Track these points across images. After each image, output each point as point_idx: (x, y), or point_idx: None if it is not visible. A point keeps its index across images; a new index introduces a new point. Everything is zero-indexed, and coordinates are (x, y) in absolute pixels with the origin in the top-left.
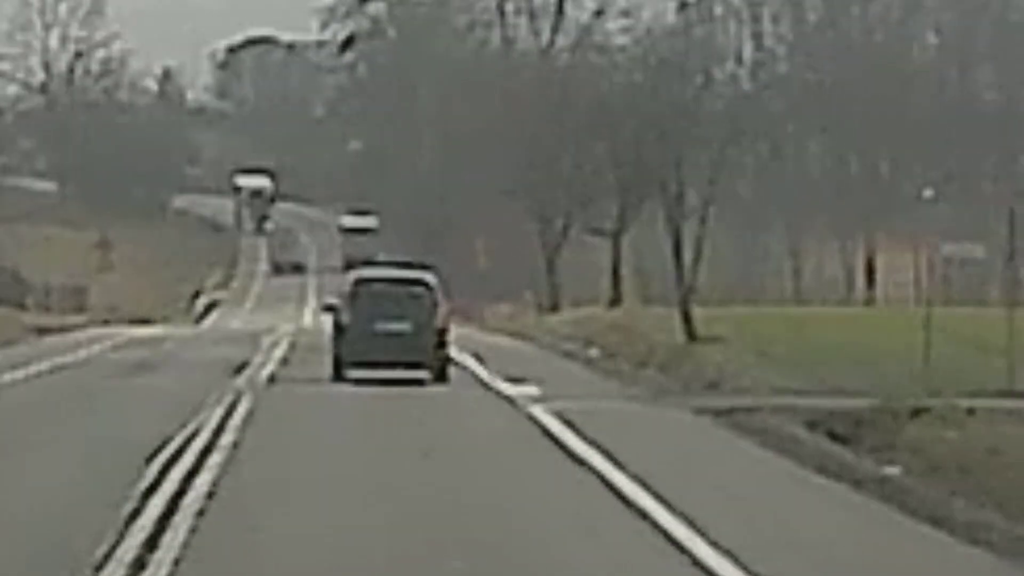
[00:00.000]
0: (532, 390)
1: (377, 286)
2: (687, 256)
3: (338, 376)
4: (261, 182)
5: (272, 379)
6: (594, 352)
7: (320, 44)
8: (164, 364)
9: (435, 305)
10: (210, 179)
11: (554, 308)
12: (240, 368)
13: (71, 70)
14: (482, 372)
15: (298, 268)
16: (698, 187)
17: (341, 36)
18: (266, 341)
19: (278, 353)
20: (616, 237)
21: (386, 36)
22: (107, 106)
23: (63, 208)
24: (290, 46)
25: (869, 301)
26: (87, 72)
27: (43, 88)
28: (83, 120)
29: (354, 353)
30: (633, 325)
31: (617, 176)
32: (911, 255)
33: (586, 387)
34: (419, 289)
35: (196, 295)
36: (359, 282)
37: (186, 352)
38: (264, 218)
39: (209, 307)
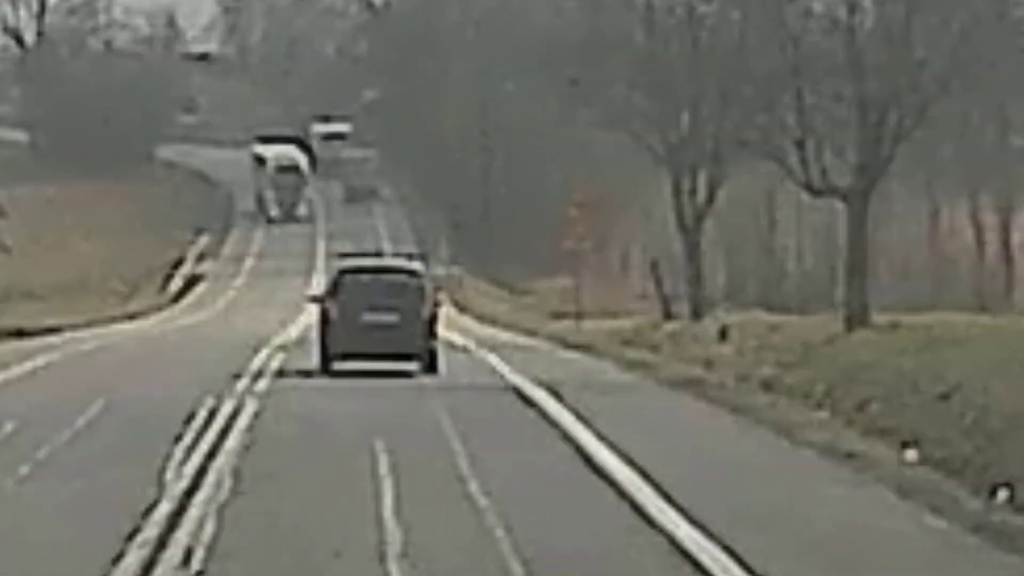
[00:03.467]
0: None
1: (363, 276)
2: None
3: (325, 368)
4: (292, 154)
5: None
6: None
7: None
8: None
9: (423, 294)
10: (208, 129)
11: (697, 314)
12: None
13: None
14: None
15: (373, 193)
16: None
17: None
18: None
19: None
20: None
21: None
22: (86, 47)
23: (32, 161)
24: None
25: None
26: (72, 12)
27: (5, 29)
28: (56, 62)
29: (341, 345)
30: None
31: (862, 123)
32: None
33: None
34: (406, 278)
35: (177, 264)
36: (344, 272)
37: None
38: (295, 203)
39: (190, 283)
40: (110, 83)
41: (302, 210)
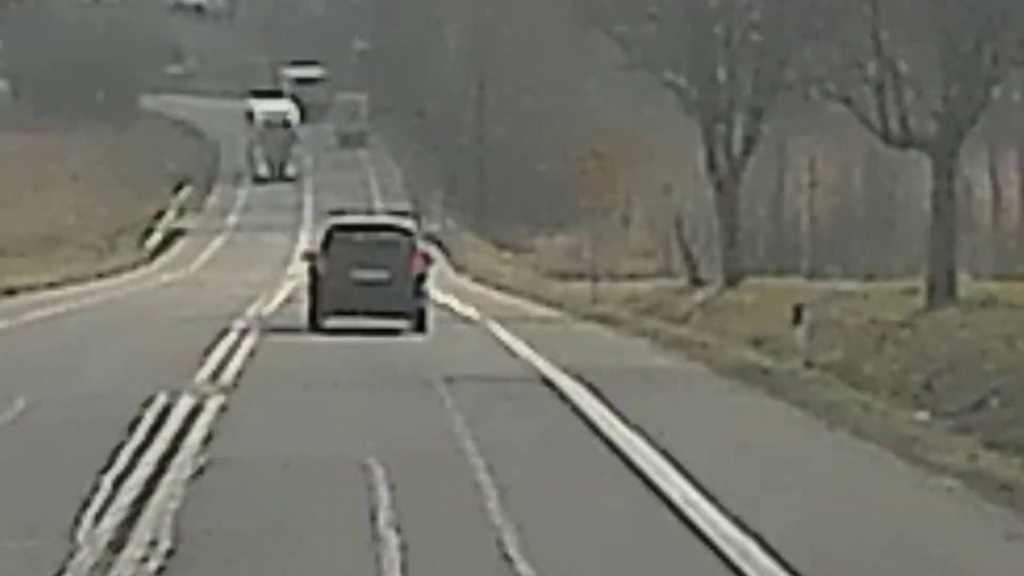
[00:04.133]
0: None
1: (353, 234)
2: None
3: (313, 325)
4: (283, 108)
5: None
6: None
7: None
8: None
9: (413, 252)
10: (195, 80)
11: (732, 280)
12: None
13: None
14: None
15: (364, 138)
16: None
17: None
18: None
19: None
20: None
21: None
22: None
23: (13, 110)
24: None
25: None
26: None
27: None
28: (39, 9)
29: (330, 302)
30: None
31: (949, 61)
32: None
33: None
34: (396, 236)
35: (158, 217)
36: (335, 229)
37: None
38: (285, 161)
39: (170, 238)
40: (95, 31)
41: (292, 169)
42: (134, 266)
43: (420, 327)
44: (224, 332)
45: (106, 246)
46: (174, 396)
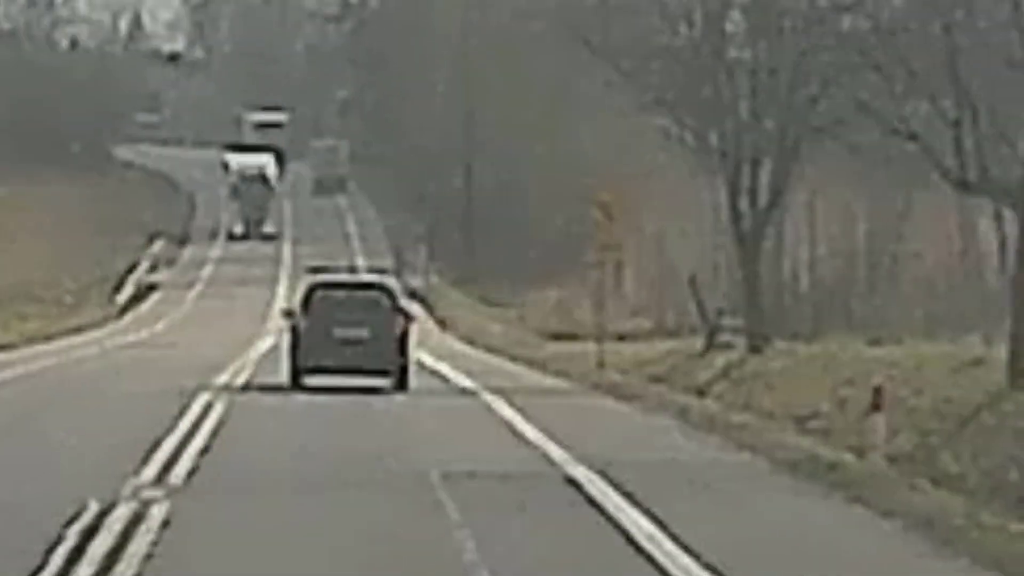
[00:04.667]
0: None
1: (334, 291)
2: None
3: (295, 383)
4: (260, 162)
5: None
6: None
7: None
8: None
9: (395, 310)
10: (171, 128)
11: (756, 345)
12: None
13: None
14: None
15: (343, 184)
16: None
17: None
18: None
19: None
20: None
21: None
22: (45, 41)
23: None
24: None
25: None
26: (31, 3)
27: None
28: (13, 55)
29: (311, 359)
30: None
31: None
32: None
33: None
34: (377, 294)
35: (129, 271)
36: (315, 287)
37: None
38: (262, 218)
39: (141, 292)
40: (70, 79)
41: (269, 227)
42: (103, 321)
43: (401, 385)
44: (183, 411)
45: (76, 300)
46: (108, 506)
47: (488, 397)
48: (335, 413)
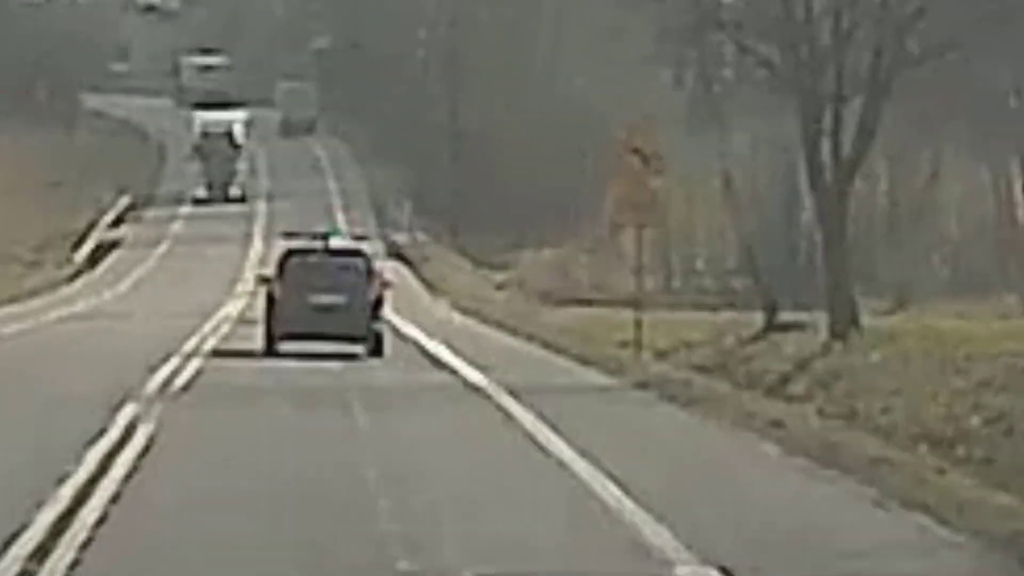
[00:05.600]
0: None
1: (309, 257)
2: None
3: (270, 350)
4: (226, 117)
5: None
6: None
7: None
8: None
9: (370, 276)
10: (143, 79)
11: (840, 329)
12: None
13: None
14: None
15: (311, 127)
16: None
17: None
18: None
19: None
20: None
21: None
22: None
23: None
24: None
25: None
26: None
27: None
28: None
29: (286, 326)
30: None
31: None
32: None
33: None
34: (353, 259)
35: (90, 228)
36: (291, 253)
37: None
38: (229, 181)
39: (100, 251)
40: (42, 30)
41: (236, 189)
42: (54, 286)
43: (377, 351)
44: (93, 440)
45: (35, 258)
46: None
47: (506, 401)
48: (301, 446)
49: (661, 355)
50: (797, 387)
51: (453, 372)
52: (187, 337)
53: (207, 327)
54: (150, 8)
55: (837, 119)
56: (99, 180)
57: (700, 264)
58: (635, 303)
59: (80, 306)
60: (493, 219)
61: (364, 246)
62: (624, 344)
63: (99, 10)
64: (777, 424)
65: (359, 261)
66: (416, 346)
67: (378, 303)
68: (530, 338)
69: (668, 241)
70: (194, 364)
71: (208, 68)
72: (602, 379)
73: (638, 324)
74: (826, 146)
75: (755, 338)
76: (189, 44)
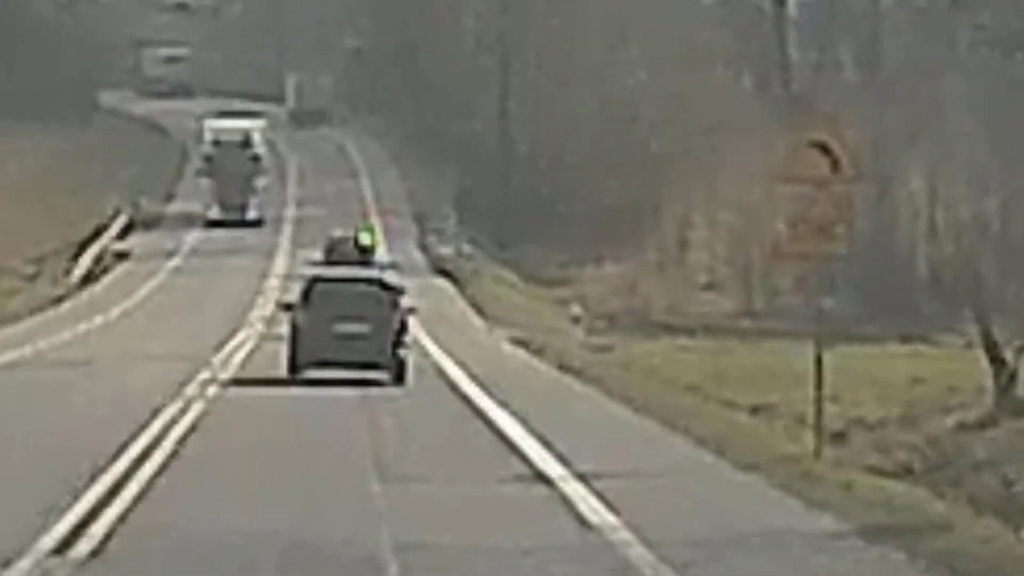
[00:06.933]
0: None
1: (333, 286)
2: None
3: (294, 375)
4: (242, 124)
5: None
6: None
7: None
8: None
9: (394, 305)
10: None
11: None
12: None
13: None
14: None
15: (324, 116)
16: None
17: None
18: None
19: None
20: None
21: None
22: None
23: None
24: None
25: None
26: None
27: None
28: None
29: (310, 354)
30: None
31: None
32: None
33: None
34: (376, 289)
35: (96, 234)
36: (315, 281)
37: None
38: (245, 200)
39: (100, 267)
40: (65, 29)
41: (254, 211)
42: (41, 308)
43: (399, 379)
44: None
45: (34, 272)
46: None
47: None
48: None
49: (837, 439)
50: None
51: (550, 482)
52: (155, 410)
53: (191, 386)
54: (181, 6)
55: None
56: (117, 187)
57: (787, 282)
58: (816, 355)
59: (28, 350)
60: (544, 230)
61: (388, 275)
62: (769, 414)
63: (134, 10)
64: None
65: (383, 290)
66: (475, 414)
67: (402, 328)
68: (650, 414)
69: (746, 252)
70: (145, 474)
71: (171, 60)
72: (798, 511)
73: (818, 398)
74: None
75: (983, 424)
76: (228, 43)
